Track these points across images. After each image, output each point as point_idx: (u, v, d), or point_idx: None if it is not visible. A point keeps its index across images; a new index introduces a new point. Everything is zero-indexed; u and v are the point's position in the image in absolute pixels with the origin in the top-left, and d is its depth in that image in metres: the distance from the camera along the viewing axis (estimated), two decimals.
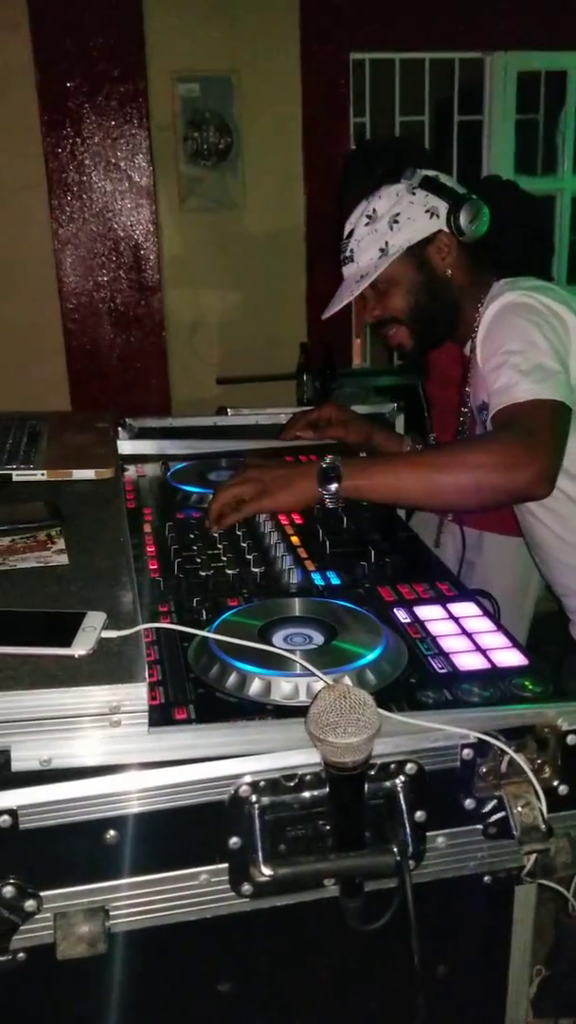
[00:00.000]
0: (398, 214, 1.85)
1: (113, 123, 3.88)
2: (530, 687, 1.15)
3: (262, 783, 1.00)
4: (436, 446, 1.98)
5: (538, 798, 1.06)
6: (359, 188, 1.91)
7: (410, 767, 1.04)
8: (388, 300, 1.90)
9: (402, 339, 1.95)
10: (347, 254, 1.92)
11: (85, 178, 3.92)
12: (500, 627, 1.31)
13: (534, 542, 1.96)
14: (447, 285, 1.89)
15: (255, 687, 1.12)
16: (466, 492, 1.61)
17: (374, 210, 1.87)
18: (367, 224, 1.88)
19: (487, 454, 1.60)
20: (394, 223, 1.85)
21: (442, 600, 1.40)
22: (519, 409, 1.62)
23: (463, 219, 1.83)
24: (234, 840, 1.01)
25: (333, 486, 1.61)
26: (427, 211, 1.85)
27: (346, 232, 1.93)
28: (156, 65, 3.84)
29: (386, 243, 1.85)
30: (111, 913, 0.99)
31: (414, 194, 1.85)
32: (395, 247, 1.85)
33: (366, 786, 1.02)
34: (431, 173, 1.87)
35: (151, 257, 4.03)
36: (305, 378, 3.91)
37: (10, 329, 3.97)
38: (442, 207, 1.84)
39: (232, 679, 1.13)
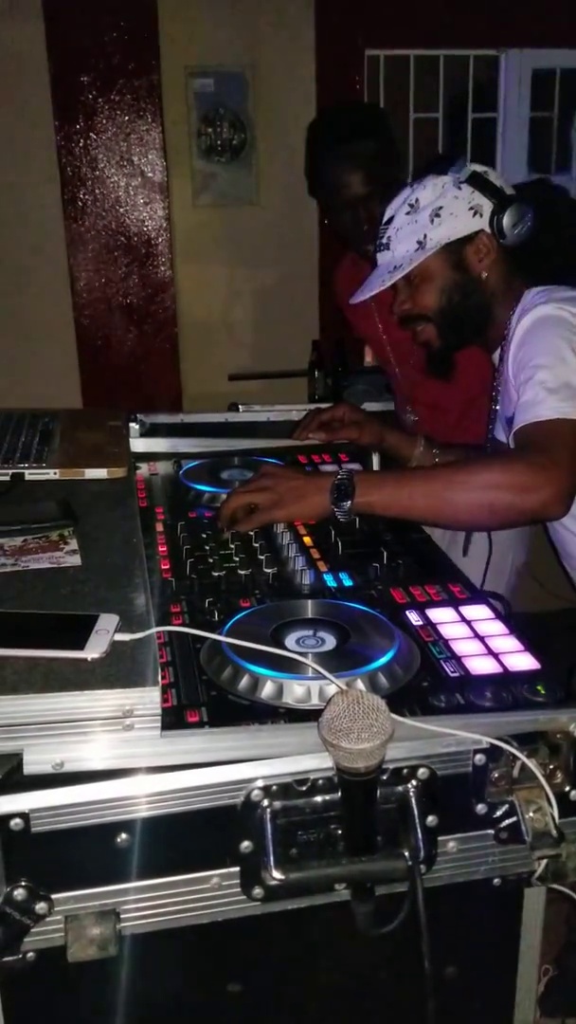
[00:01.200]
0: (441, 208, 1.81)
1: (127, 118, 3.87)
2: (543, 692, 1.14)
3: (274, 787, 1.01)
4: (453, 463, 1.92)
5: (550, 803, 1.06)
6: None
7: (422, 772, 1.04)
8: (419, 295, 1.87)
9: (429, 337, 1.91)
10: (384, 241, 1.88)
11: (98, 173, 3.92)
12: (513, 630, 1.31)
13: (565, 552, 1.95)
14: (481, 287, 1.86)
15: (267, 690, 1.12)
16: (478, 511, 1.61)
17: (417, 200, 1.83)
18: (408, 213, 1.83)
19: (501, 474, 1.60)
20: (435, 216, 1.80)
21: (454, 603, 1.39)
22: (540, 428, 1.62)
23: (507, 221, 1.79)
24: (245, 844, 1.01)
25: (346, 503, 1.61)
26: (471, 208, 1.81)
27: (386, 217, 1.88)
28: (170, 60, 3.84)
29: (424, 236, 1.81)
30: (122, 916, 0.99)
31: (460, 188, 1.81)
32: (433, 242, 1.81)
33: (378, 791, 1.02)
34: (480, 169, 1.83)
35: (164, 252, 4.03)
36: (317, 375, 3.90)
37: (22, 324, 3.97)
38: (486, 206, 1.80)
39: (244, 682, 1.13)
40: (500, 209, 1.79)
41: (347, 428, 2.11)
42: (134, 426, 2.20)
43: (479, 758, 1.05)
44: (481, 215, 1.81)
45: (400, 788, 1.04)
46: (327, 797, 1.02)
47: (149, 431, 2.23)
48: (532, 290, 1.83)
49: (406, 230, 1.83)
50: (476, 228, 1.81)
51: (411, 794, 1.04)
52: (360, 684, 1.11)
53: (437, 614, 1.35)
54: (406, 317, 1.92)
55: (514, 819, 1.07)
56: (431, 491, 1.62)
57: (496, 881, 1.12)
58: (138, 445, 2.13)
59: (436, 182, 1.82)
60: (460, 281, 1.85)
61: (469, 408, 2.44)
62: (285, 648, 1.19)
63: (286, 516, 1.65)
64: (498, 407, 1.97)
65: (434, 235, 1.81)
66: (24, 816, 0.94)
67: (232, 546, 1.57)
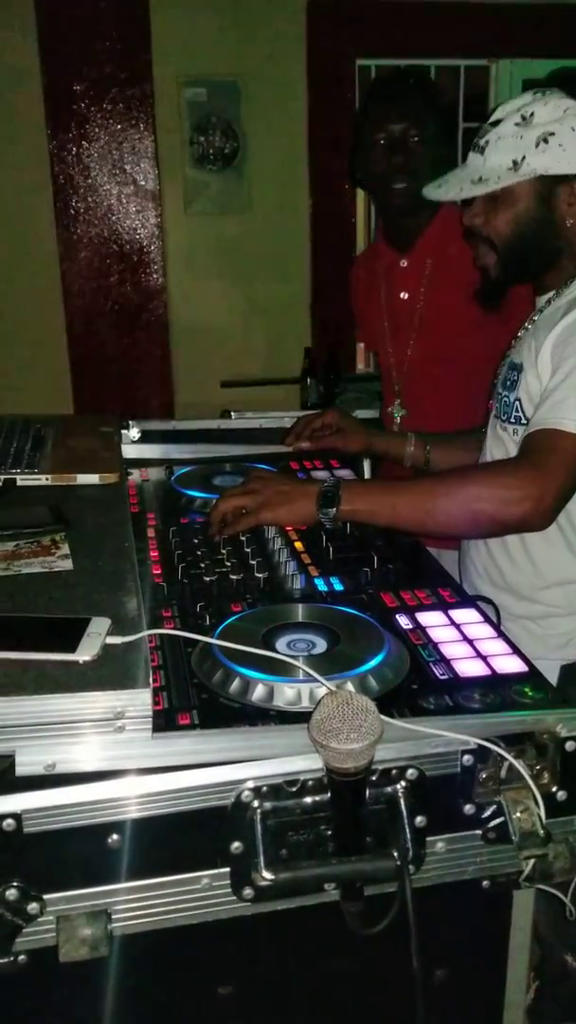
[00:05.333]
0: (552, 134, 1.65)
1: (119, 127, 3.88)
2: (530, 694, 1.16)
3: (264, 788, 1.01)
4: (442, 473, 1.91)
5: (537, 804, 1.07)
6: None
7: (411, 772, 1.05)
8: (494, 217, 1.73)
9: (489, 264, 1.79)
10: (481, 142, 1.72)
11: (90, 181, 3.93)
12: (501, 634, 1.32)
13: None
14: (559, 232, 1.72)
15: (258, 693, 1.13)
16: (460, 522, 1.64)
17: (532, 113, 1.67)
18: (517, 124, 1.67)
19: (486, 486, 1.60)
20: (543, 141, 1.65)
21: (444, 606, 1.40)
22: (550, 437, 1.59)
23: None
24: (236, 844, 1.01)
25: (331, 510, 1.62)
26: None
27: (492, 118, 1.73)
28: (163, 69, 3.85)
29: (523, 157, 1.66)
30: (113, 916, 1.00)
31: None
32: (529, 168, 1.66)
33: (367, 791, 1.02)
34: None
35: (156, 260, 4.04)
36: (309, 382, 3.92)
37: (14, 331, 3.97)
38: None
39: (235, 685, 1.14)
40: None
41: (332, 436, 2.12)
42: (126, 433, 2.21)
43: (467, 759, 1.06)
44: None
45: (389, 789, 1.04)
46: (317, 798, 1.03)
47: (141, 438, 2.24)
48: None
49: (508, 142, 1.68)
50: None
51: (400, 795, 1.04)
52: (350, 686, 1.12)
53: (426, 618, 1.36)
54: (473, 230, 1.79)
55: (501, 819, 1.08)
56: (414, 502, 1.64)
57: (485, 883, 1.13)
58: (130, 451, 2.15)
59: (560, 103, 1.67)
60: (540, 218, 1.71)
61: (456, 412, 2.46)
62: (276, 651, 1.20)
63: (273, 520, 1.66)
64: (511, 353, 1.88)
65: (534, 160, 1.66)
66: (16, 817, 0.95)
67: (224, 551, 1.58)
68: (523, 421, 1.74)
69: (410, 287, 2.60)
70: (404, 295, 2.62)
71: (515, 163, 1.67)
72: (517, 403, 1.77)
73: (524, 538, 1.76)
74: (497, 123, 1.70)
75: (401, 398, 2.64)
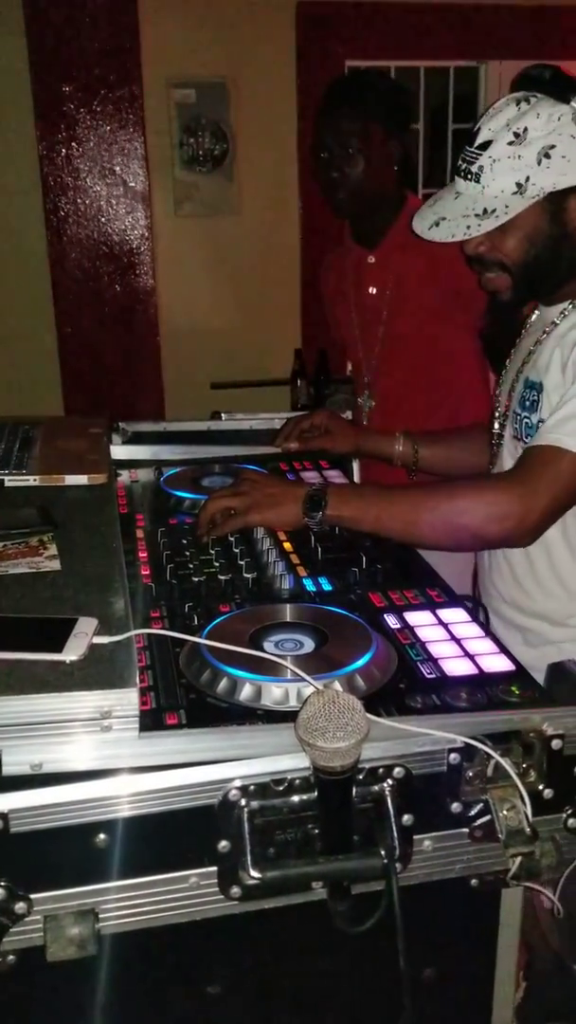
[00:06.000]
0: (553, 147, 1.53)
1: (108, 128, 3.88)
2: (517, 692, 1.16)
3: (251, 787, 1.01)
4: (431, 485, 1.84)
5: (523, 802, 1.07)
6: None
7: (398, 771, 1.05)
8: (502, 241, 1.61)
9: (500, 287, 1.67)
10: (473, 169, 1.58)
11: (80, 183, 3.93)
12: (488, 633, 1.33)
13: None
14: (572, 245, 1.62)
15: (246, 692, 1.13)
16: (443, 536, 1.61)
17: (525, 129, 1.54)
18: (511, 144, 1.54)
19: (471, 500, 1.59)
20: (545, 156, 1.53)
21: (432, 606, 1.41)
22: (547, 454, 1.55)
23: None
24: (223, 843, 1.01)
25: (317, 514, 1.62)
26: None
27: (479, 140, 1.58)
28: (152, 71, 3.85)
29: (527, 179, 1.54)
30: (101, 915, 1.00)
31: None
32: (537, 188, 1.55)
33: (354, 790, 1.03)
34: None
35: (146, 262, 4.04)
36: (299, 384, 3.92)
37: (4, 333, 3.97)
38: None
39: (223, 684, 1.14)
40: None
41: (320, 438, 2.12)
42: (116, 435, 2.21)
43: (454, 757, 1.06)
44: None
45: (376, 787, 1.04)
46: (304, 796, 1.03)
47: (131, 439, 2.24)
48: None
49: (505, 164, 1.55)
50: None
51: (387, 793, 1.04)
52: (337, 686, 1.12)
53: (414, 617, 1.37)
54: (479, 258, 1.66)
55: (488, 817, 1.08)
56: (399, 512, 1.63)
57: (472, 881, 1.13)
58: (120, 453, 2.15)
59: (553, 111, 1.54)
60: (554, 235, 1.60)
61: (426, 406, 2.48)
62: (264, 651, 1.20)
63: (260, 522, 1.66)
64: (525, 370, 1.77)
65: (539, 180, 1.54)
66: (3, 816, 0.95)
67: (212, 552, 1.58)
68: None
69: (378, 282, 2.65)
70: (372, 290, 2.66)
71: (519, 186, 1.55)
72: (541, 425, 1.67)
73: (553, 564, 1.72)
74: (487, 145, 1.57)
75: (370, 390, 2.67)
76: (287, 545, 1.63)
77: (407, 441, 2.09)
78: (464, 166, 1.60)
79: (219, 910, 1.04)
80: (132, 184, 3.96)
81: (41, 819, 0.96)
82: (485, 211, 1.57)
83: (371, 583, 1.49)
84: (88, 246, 3.99)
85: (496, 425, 1.87)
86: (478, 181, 1.58)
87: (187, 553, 1.58)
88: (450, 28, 4.04)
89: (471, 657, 1.25)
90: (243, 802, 1.01)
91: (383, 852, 1.03)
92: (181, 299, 4.11)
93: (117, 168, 3.93)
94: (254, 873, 1.01)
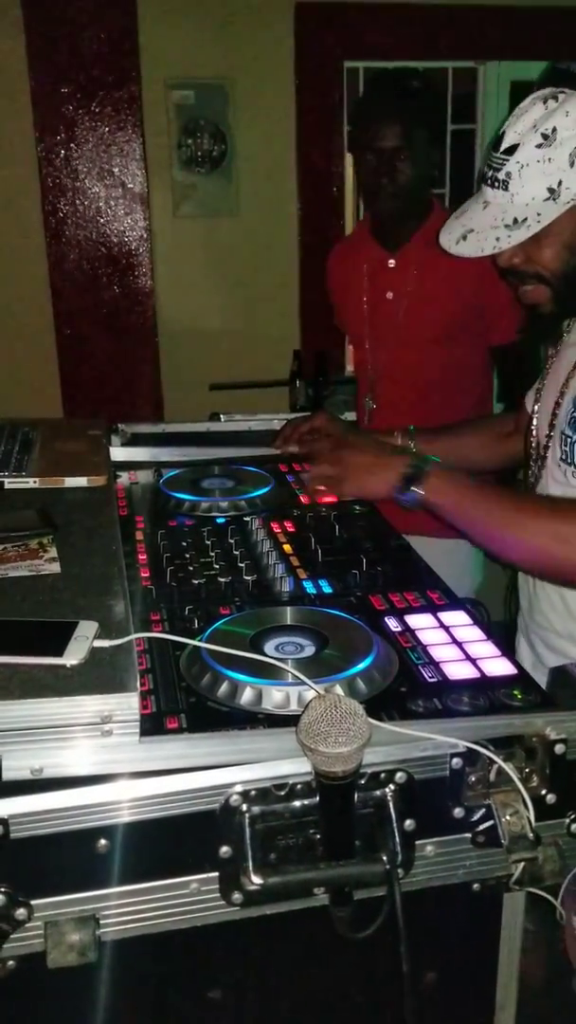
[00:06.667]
0: None
1: (107, 130, 3.88)
2: (519, 697, 1.15)
3: (253, 792, 1.01)
4: (530, 497, 1.71)
5: (526, 807, 1.07)
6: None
7: (400, 776, 1.04)
8: (537, 251, 1.52)
9: (540, 299, 1.58)
10: (500, 176, 1.49)
11: (79, 184, 3.92)
12: (490, 636, 1.32)
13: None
14: None
15: (246, 696, 1.12)
16: (527, 554, 1.54)
17: (554, 129, 1.45)
18: (540, 146, 1.45)
19: (562, 523, 1.47)
20: None
21: (433, 609, 1.40)
22: None
23: None
24: (224, 849, 1.01)
25: (411, 496, 1.55)
26: None
27: (504, 143, 1.50)
28: (150, 72, 3.84)
29: (559, 183, 1.45)
30: (101, 922, 0.99)
31: None
32: (569, 194, 1.46)
33: (356, 795, 1.02)
34: None
35: (144, 263, 4.03)
36: (298, 385, 3.92)
37: (2, 335, 3.97)
38: None
39: (224, 688, 1.14)
40: None
41: (321, 441, 2.09)
42: (115, 437, 2.21)
43: (456, 762, 1.06)
44: None
45: (378, 792, 1.04)
46: (305, 802, 1.02)
47: (130, 440, 2.24)
48: None
49: (536, 168, 1.46)
50: None
51: (389, 798, 1.04)
52: (339, 690, 1.11)
53: (416, 620, 1.36)
54: (513, 270, 1.58)
55: (491, 823, 1.07)
56: (495, 517, 1.55)
57: (475, 886, 1.13)
58: (119, 454, 2.14)
59: None
60: None
61: (428, 414, 2.47)
62: (264, 654, 1.20)
63: (351, 491, 1.65)
64: (569, 382, 1.66)
65: (573, 184, 1.45)
66: (3, 822, 0.94)
67: (212, 554, 1.57)
68: None
69: (395, 287, 2.62)
70: (389, 295, 2.63)
71: (552, 191, 1.46)
72: None
73: None
74: (513, 149, 1.48)
75: (373, 391, 2.66)
76: (287, 547, 1.63)
77: (406, 439, 2.04)
78: (491, 173, 1.52)
79: (220, 916, 1.03)
80: (131, 185, 3.95)
81: (41, 824, 0.96)
82: (516, 221, 1.48)
83: (372, 585, 1.48)
84: (87, 247, 3.98)
85: (536, 446, 1.76)
86: (506, 189, 1.49)
87: (187, 555, 1.57)
88: (448, 29, 4.04)
89: (473, 661, 1.24)
90: (244, 807, 1.01)
91: (385, 858, 1.03)
92: (180, 300, 4.10)
93: (116, 169, 3.92)
94: (255, 879, 1.00)
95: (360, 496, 1.65)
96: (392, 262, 2.64)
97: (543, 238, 1.50)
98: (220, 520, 1.74)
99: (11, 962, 1.00)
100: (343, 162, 4.08)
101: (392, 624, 1.35)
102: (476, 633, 1.32)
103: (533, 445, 1.78)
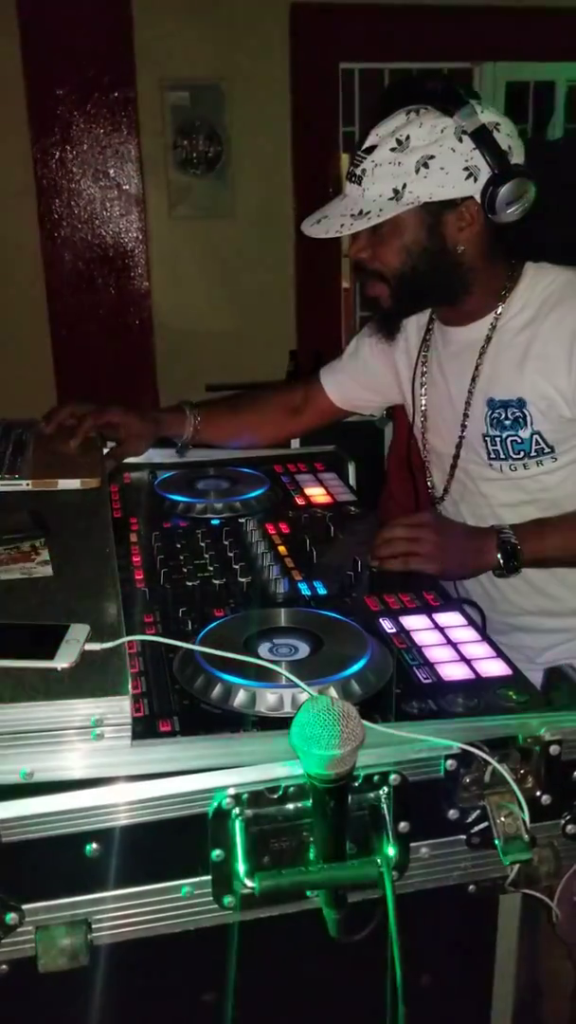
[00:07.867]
0: (432, 157, 1.53)
1: (103, 131, 3.87)
2: (514, 697, 1.15)
3: (245, 795, 1.00)
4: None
5: (521, 808, 1.06)
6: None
7: (394, 778, 1.04)
8: (381, 249, 1.62)
9: (380, 295, 1.68)
10: (357, 172, 1.59)
11: (74, 185, 3.92)
12: (485, 637, 1.32)
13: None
14: (452, 259, 1.62)
15: (240, 699, 1.12)
16: None
17: (407, 137, 1.54)
18: (393, 149, 1.55)
19: None
20: (423, 166, 1.53)
21: (428, 610, 1.40)
22: None
23: (502, 197, 1.53)
24: (217, 852, 1.00)
25: (516, 562, 1.59)
26: (466, 169, 1.54)
27: (366, 143, 1.59)
28: (146, 73, 3.84)
29: (403, 186, 1.55)
30: (93, 926, 0.99)
31: (460, 141, 1.53)
32: (412, 196, 1.55)
33: (349, 797, 1.01)
34: (491, 120, 1.55)
35: (140, 264, 4.03)
36: None
37: None
38: (484, 171, 1.54)
39: (217, 691, 1.13)
40: (498, 180, 1.53)
41: (114, 450, 2.02)
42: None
43: (450, 763, 1.05)
44: (476, 179, 1.55)
45: (372, 794, 1.03)
46: (298, 804, 1.02)
47: None
48: (534, 264, 1.68)
49: (385, 169, 1.56)
50: (466, 194, 1.56)
51: (383, 800, 1.04)
52: (333, 691, 1.11)
53: (410, 621, 1.36)
54: (360, 265, 1.67)
55: (485, 824, 1.07)
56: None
57: (470, 888, 1.12)
58: None
59: (436, 123, 1.54)
60: (430, 248, 1.60)
61: None
62: (258, 656, 1.19)
63: (451, 575, 1.61)
64: (485, 389, 1.72)
65: (415, 188, 1.55)
66: None
67: (206, 556, 1.57)
68: (547, 451, 1.68)
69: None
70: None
71: (396, 192, 1.56)
72: (536, 436, 1.67)
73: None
74: (371, 149, 1.57)
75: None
76: (281, 549, 1.62)
77: (192, 414, 2.05)
78: (352, 168, 1.62)
79: (213, 919, 1.03)
80: (126, 186, 3.95)
81: (32, 828, 0.95)
82: (361, 212, 1.58)
83: (366, 587, 1.47)
84: (82, 248, 3.98)
85: (439, 455, 1.86)
86: (360, 184, 1.60)
87: (181, 557, 1.56)
88: (444, 30, 4.04)
89: (468, 661, 1.24)
90: (237, 810, 1.00)
91: (379, 860, 1.02)
92: (176, 301, 4.10)
93: (111, 170, 3.92)
94: (248, 882, 1.00)
95: (448, 578, 1.62)
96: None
97: (388, 239, 1.61)
98: (215, 522, 1.74)
99: (3, 966, 0.99)
100: (339, 163, 4.08)
101: (386, 625, 1.34)
102: (471, 634, 1.32)
103: (451, 454, 1.82)
